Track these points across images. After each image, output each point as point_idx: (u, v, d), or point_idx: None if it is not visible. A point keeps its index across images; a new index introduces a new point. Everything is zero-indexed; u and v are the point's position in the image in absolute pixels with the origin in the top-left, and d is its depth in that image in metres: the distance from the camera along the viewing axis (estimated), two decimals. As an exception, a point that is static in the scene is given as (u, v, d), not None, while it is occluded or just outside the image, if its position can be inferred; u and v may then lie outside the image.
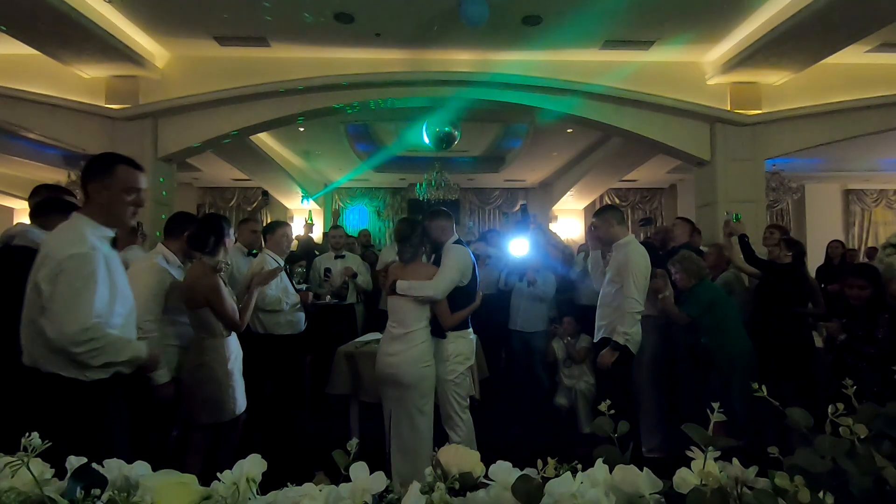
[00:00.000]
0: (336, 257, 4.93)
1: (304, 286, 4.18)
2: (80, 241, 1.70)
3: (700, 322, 3.34)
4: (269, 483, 0.82)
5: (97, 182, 1.79)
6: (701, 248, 4.54)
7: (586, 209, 11.23)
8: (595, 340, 3.29)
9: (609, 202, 11.54)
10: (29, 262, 2.07)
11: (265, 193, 10.36)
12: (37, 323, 1.67)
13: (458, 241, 3.05)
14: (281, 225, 3.88)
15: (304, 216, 10.52)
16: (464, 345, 2.95)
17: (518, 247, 4.56)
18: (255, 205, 11.37)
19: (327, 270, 4.77)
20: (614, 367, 3.04)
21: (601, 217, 3.29)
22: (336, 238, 5.05)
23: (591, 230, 3.42)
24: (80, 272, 1.66)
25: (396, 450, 2.77)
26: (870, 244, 10.31)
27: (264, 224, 4.40)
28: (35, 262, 1.73)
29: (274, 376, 3.77)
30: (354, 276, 4.82)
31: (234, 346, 2.61)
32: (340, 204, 11.63)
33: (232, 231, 2.65)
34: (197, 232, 2.57)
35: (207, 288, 2.44)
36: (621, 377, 3.11)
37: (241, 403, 2.60)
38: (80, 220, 1.79)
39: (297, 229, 9.72)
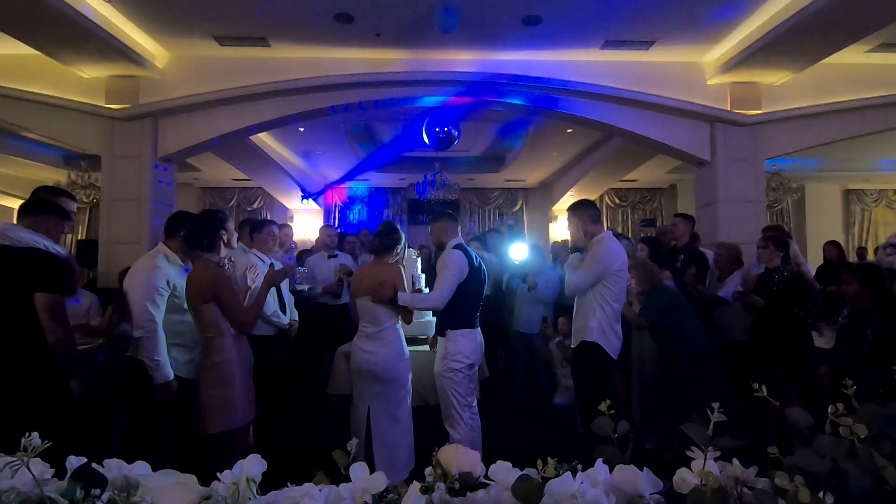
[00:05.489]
0: (329, 257, 4.90)
1: (305, 287, 4.15)
2: None
3: (658, 325, 3.38)
4: (269, 483, 0.82)
5: None
6: (700, 248, 4.54)
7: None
8: (572, 346, 3.11)
9: (609, 202, 11.55)
10: (6, 259, 2.07)
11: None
12: None
13: (459, 244, 3.05)
14: (268, 223, 3.76)
15: (305, 216, 10.54)
16: (463, 344, 2.95)
17: (518, 250, 4.57)
18: (255, 205, 11.38)
19: None
20: (592, 369, 2.93)
21: (575, 213, 3.03)
22: (329, 237, 5.00)
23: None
24: None
25: (378, 443, 2.81)
26: (870, 244, 10.31)
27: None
28: None
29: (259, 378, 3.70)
30: (350, 274, 4.75)
31: (245, 348, 2.48)
32: (340, 204, 11.63)
33: (232, 224, 2.54)
34: (192, 230, 2.51)
35: (212, 280, 2.34)
36: (602, 380, 2.94)
37: (250, 410, 2.46)
38: None
39: (297, 229, 9.73)
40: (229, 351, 2.37)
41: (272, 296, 3.49)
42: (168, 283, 2.60)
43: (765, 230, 4.35)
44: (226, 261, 2.53)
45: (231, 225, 2.52)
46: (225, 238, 2.46)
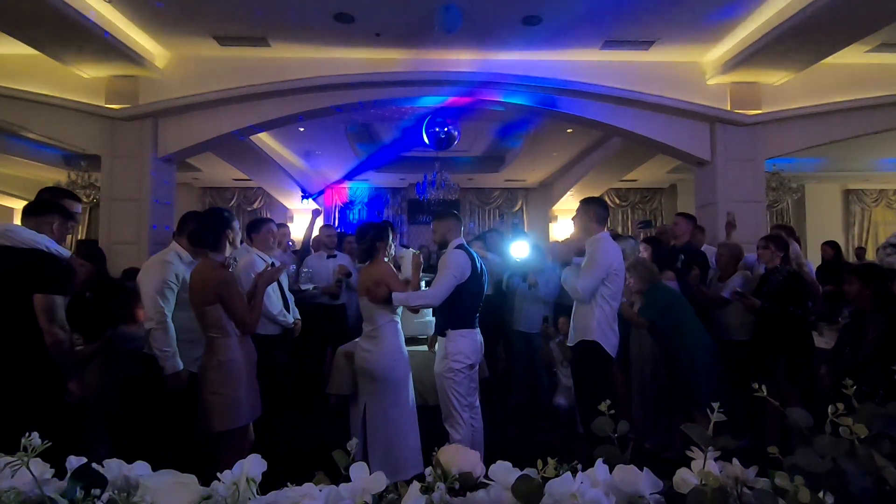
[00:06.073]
0: (328, 257, 4.89)
1: (310, 287, 4.15)
2: None
3: (658, 325, 3.39)
4: (269, 483, 0.82)
5: None
6: (702, 246, 4.53)
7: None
8: (570, 344, 3.12)
9: (609, 202, 11.55)
10: (7, 260, 2.08)
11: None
12: None
13: (461, 245, 3.05)
14: (266, 222, 3.72)
15: (305, 216, 10.50)
16: (463, 344, 2.95)
17: (519, 249, 4.56)
18: (255, 205, 11.39)
19: None
20: (592, 368, 2.92)
21: (584, 207, 3.05)
22: (328, 237, 5.00)
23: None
24: None
25: (373, 442, 2.81)
26: (870, 244, 10.32)
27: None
28: None
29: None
30: (349, 275, 4.70)
31: (249, 347, 2.48)
32: (340, 204, 11.63)
33: (237, 224, 2.54)
34: (197, 228, 2.51)
35: (217, 282, 2.32)
36: (602, 378, 2.93)
37: (256, 407, 2.46)
38: None
39: (296, 229, 9.73)
40: (234, 350, 2.37)
41: (277, 295, 3.50)
42: (178, 277, 2.69)
43: (773, 228, 4.33)
44: (230, 260, 2.54)
45: (237, 224, 2.52)
46: (230, 237, 2.46)
